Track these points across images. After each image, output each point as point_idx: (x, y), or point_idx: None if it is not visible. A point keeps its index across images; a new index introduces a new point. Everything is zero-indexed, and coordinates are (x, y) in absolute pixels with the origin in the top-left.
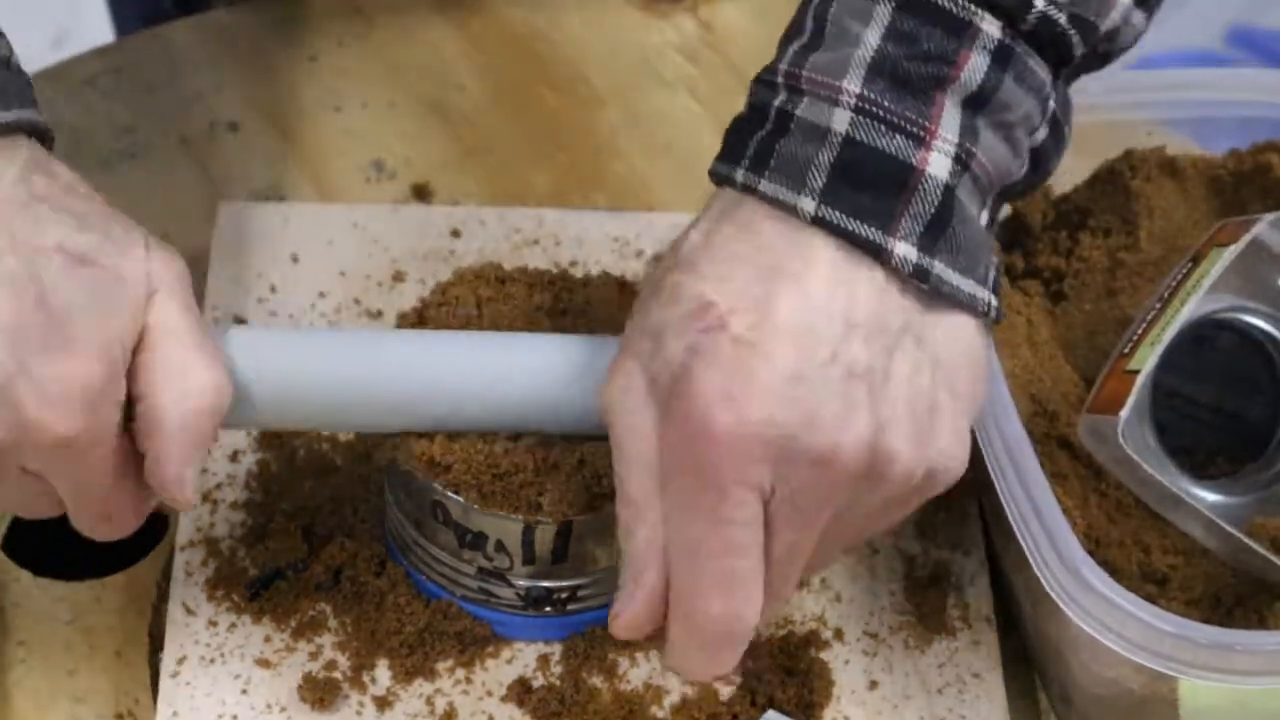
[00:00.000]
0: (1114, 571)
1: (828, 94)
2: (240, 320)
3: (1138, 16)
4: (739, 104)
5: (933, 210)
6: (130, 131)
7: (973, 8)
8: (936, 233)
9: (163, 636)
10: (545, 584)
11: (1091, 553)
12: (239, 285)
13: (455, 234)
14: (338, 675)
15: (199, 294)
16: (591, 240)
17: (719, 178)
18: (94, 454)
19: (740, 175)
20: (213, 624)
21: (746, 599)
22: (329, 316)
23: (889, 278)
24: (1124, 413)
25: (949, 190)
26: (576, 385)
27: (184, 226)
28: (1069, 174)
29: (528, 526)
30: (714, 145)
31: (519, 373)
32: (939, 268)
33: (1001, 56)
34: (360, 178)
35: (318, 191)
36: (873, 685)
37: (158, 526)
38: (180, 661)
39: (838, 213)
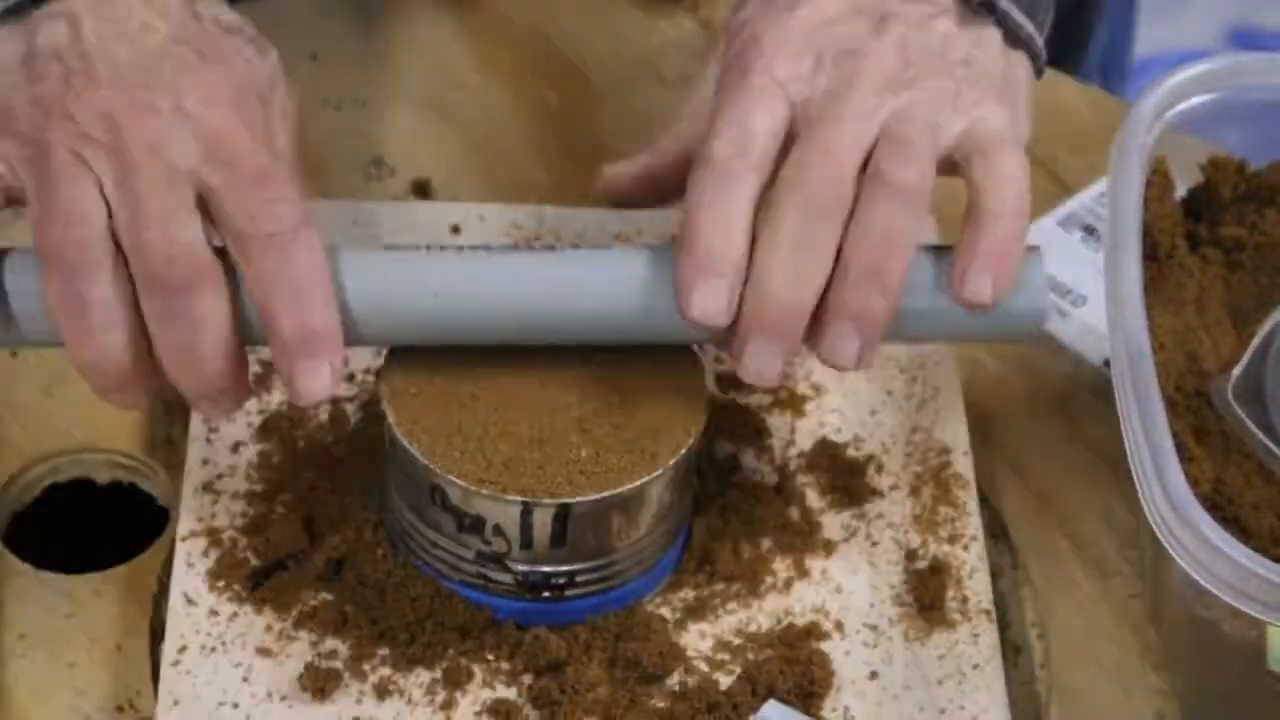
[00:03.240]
0: (1244, 532)
1: None
2: None
3: None
4: None
5: None
6: None
7: None
8: None
9: (163, 629)
10: (543, 569)
11: (1220, 507)
12: None
13: (455, 230)
14: (338, 664)
15: None
16: (592, 237)
17: None
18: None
19: None
20: (214, 613)
21: (740, 124)
22: None
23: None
24: (1236, 371)
25: None
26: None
27: None
28: (1268, 152)
29: (526, 509)
30: None
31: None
32: (1004, 2)
33: None
34: (360, 175)
35: (318, 188)
36: (873, 676)
37: (158, 519)
38: (181, 651)
39: None
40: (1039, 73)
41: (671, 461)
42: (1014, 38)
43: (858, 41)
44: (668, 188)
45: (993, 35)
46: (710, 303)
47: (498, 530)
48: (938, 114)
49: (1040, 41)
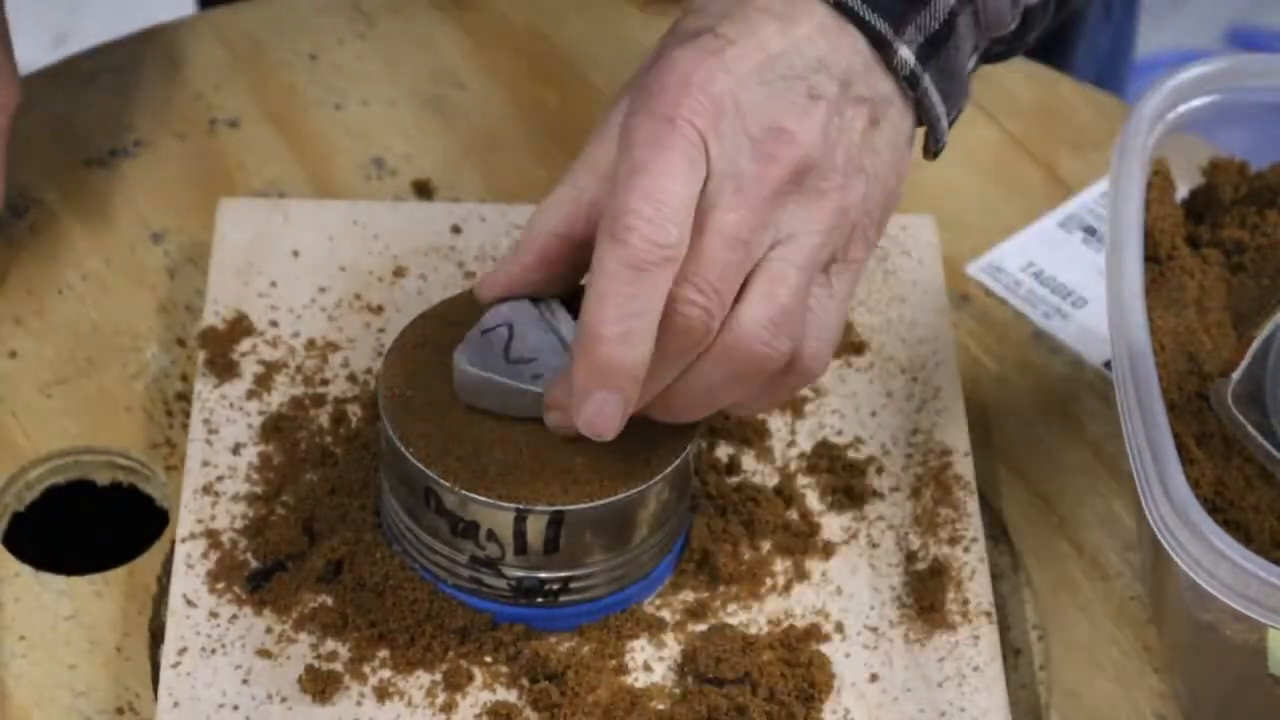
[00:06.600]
0: (1245, 535)
1: None
2: (242, 315)
3: None
4: None
5: (936, 27)
6: (131, 129)
7: None
8: (933, 49)
9: (163, 631)
10: (537, 575)
11: (1221, 510)
12: (240, 280)
13: (456, 230)
14: (338, 666)
15: (200, 290)
16: None
17: None
18: None
19: None
20: (214, 615)
21: (661, 196)
22: (329, 311)
23: (874, 58)
24: (1235, 374)
25: (953, 13)
26: None
27: (184, 223)
28: (1269, 153)
29: (519, 516)
30: None
31: None
32: (927, 81)
33: None
34: (361, 175)
35: (318, 188)
36: (873, 678)
37: (158, 520)
38: (181, 653)
39: (859, 1)
40: (934, 155)
41: (666, 470)
42: (925, 117)
43: (785, 114)
44: (580, 263)
45: (899, 123)
46: (602, 420)
47: (491, 536)
48: (826, 245)
49: (945, 125)
